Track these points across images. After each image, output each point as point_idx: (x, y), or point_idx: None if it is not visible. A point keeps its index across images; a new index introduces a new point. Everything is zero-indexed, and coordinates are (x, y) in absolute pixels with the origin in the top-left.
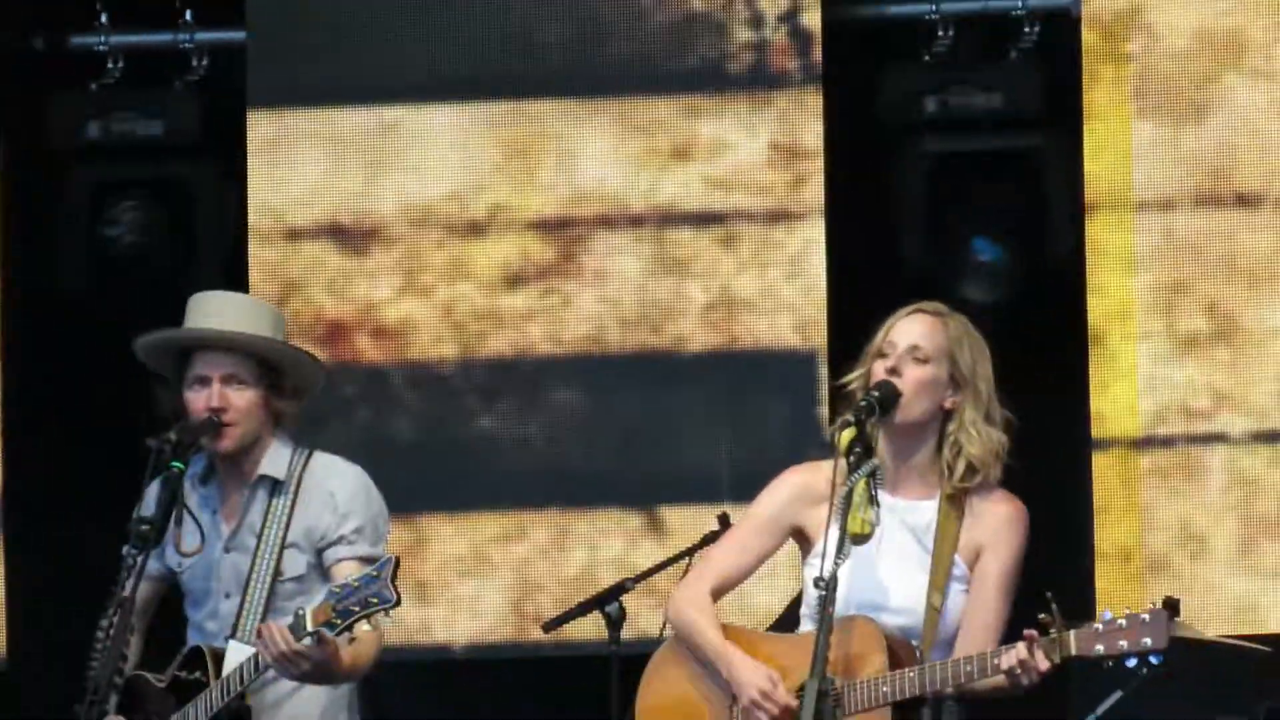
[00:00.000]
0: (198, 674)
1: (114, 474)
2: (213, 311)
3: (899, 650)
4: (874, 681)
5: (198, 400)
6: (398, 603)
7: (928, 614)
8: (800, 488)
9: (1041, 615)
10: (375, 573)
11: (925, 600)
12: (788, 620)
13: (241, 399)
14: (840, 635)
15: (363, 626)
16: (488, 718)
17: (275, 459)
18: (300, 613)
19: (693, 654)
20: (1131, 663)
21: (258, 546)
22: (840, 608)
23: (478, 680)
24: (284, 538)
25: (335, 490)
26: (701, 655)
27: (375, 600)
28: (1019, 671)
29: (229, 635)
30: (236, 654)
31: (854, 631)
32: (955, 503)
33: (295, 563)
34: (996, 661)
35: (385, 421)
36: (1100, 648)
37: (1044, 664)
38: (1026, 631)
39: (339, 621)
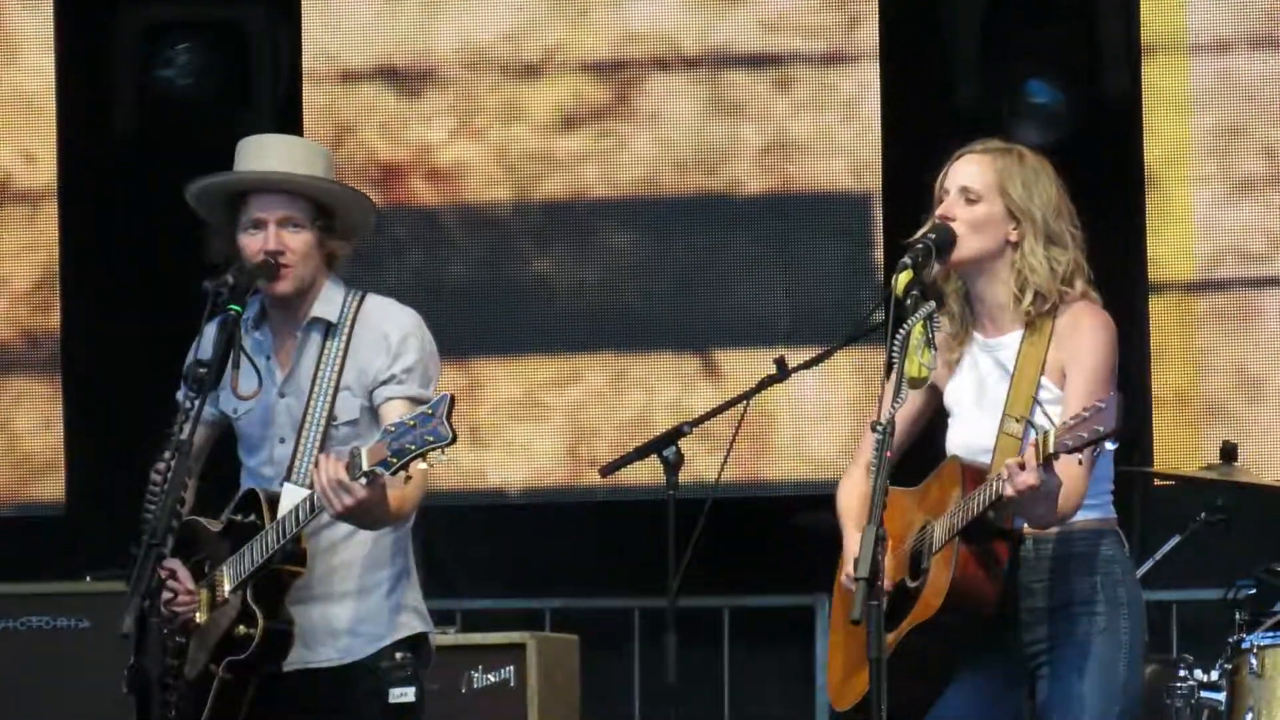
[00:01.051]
0: (252, 518)
1: (169, 317)
2: (266, 154)
3: (976, 481)
4: (949, 515)
5: (254, 243)
6: (454, 440)
7: (1001, 443)
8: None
9: (1017, 417)
10: (430, 410)
11: (998, 429)
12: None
13: (298, 241)
14: (936, 478)
15: (418, 465)
16: (543, 562)
17: (328, 301)
18: (356, 452)
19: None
20: (1097, 452)
21: (311, 390)
22: (948, 451)
23: (533, 525)
24: (338, 381)
25: (389, 331)
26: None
27: (431, 438)
28: (1013, 474)
29: (284, 479)
30: (291, 497)
31: (944, 471)
32: (1039, 328)
33: (349, 406)
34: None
35: (439, 264)
36: (1069, 441)
37: (1031, 463)
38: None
39: (395, 460)
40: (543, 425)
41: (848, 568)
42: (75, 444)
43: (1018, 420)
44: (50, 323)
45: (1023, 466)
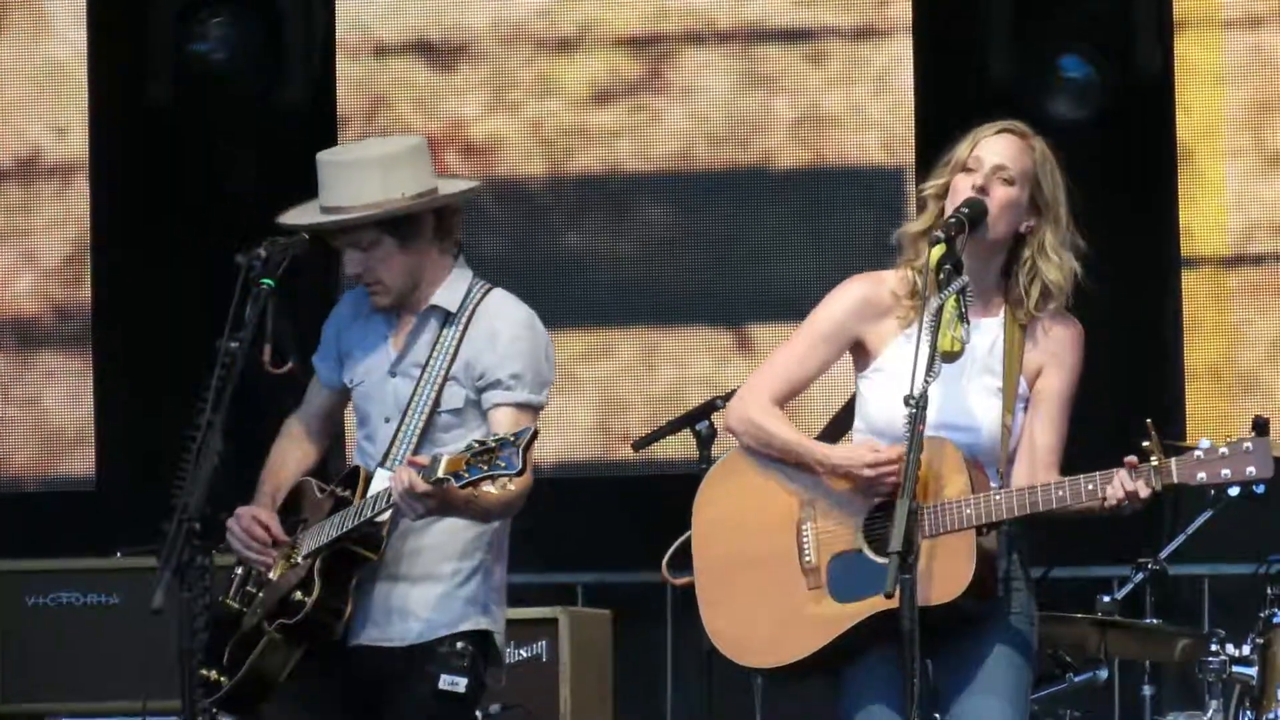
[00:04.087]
0: (348, 493)
1: (200, 291)
2: (328, 183)
3: (974, 472)
4: (957, 504)
5: (346, 267)
6: (521, 472)
7: (1002, 435)
8: (863, 299)
9: (1145, 443)
10: (513, 438)
11: (1000, 420)
12: (830, 433)
13: (374, 260)
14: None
15: (485, 487)
16: (575, 537)
17: (451, 290)
18: (438, 456)
19: (764, 460)
20: (1234, 491)
21: (421, 375)
22: (892, 423)
23: (565, 499)
24: (448, 370)
25: (500, 330)
26: (784, 454)
27: (503, 464)
28: (1122, 499)
29: (379, 461)
30: (380, 482)
31: (932, 452)
32: (1018, 324)
33: (454, 396)
34: (1090, 487)
35: (472, 238)
36: (1203, 475)
37: (1145, 491)
38: (1127, 459)
39: (466, 475)
40: (575, 399)
41: (866, 458)
42: (105, 419)
43: (1010, 413)
44: (81, 297)
45: (1130, 487)
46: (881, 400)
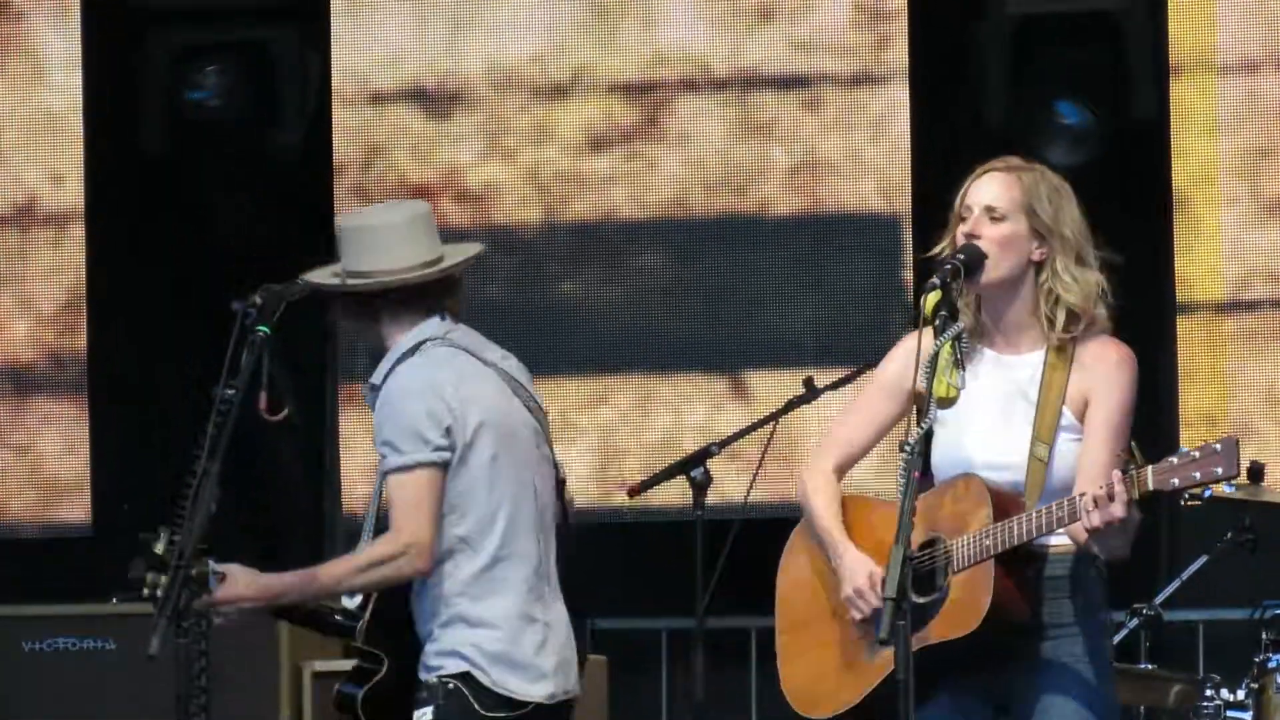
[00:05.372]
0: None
1: (196, 339)
2: (356, 247)
3: (1006, 504)
4: (977, 536)
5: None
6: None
7: (1031, 466)
8: (914, 351)
9: (1119, 451)
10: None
11: (1029, 453)
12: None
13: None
14: (949, 494)
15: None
16: (571, 584)
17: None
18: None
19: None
20: (1207, 493)
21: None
22: (951, 468)
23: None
24: None
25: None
26: (820, 541)
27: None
28: (1096, 509)
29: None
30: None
31: (960, 489)
32: (1062, 353)
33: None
34: (1083, 502)
35: (468, 285)
36: (1175, 480)
37: (1123, 496)
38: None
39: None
40: (571, 446)
41: (858, 581)
42: (101, 466)
43: (1045, 444)
44: (77, 345)
45: (1111, 498)
46: (938, 445)
